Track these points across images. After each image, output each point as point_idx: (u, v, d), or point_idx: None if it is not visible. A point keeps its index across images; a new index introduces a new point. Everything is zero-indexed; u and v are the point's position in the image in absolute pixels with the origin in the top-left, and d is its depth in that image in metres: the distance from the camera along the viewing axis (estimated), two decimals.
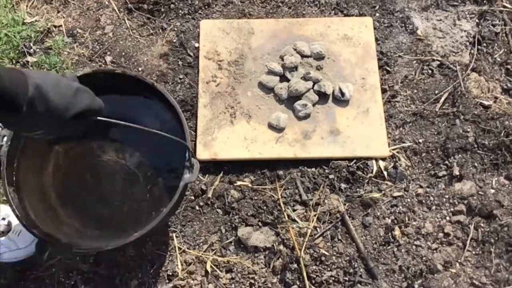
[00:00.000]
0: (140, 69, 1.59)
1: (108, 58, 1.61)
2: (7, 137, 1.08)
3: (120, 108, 1.16)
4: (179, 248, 1.35)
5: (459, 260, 1.33)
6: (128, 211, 1.20)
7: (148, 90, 1.18)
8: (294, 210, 1.37)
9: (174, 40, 1.64)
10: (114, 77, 1.18)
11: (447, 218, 1.38)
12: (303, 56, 1.55)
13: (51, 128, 0.83)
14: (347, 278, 1.30)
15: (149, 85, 1.16)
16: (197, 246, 1.35)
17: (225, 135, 1.47)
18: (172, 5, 1.69)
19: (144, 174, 1.22)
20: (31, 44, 1.62)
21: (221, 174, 1.44)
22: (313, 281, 1.30)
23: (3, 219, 1.30)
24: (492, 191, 1.40)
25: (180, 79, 1.57)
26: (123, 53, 1.61)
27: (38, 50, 1.62)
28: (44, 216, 1.12)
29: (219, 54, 1.58)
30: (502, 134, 1.44)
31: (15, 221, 1.31)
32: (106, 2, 1.71)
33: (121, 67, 1.59)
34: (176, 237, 1.36)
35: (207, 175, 1.44)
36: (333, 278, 1.30)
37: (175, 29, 1.66)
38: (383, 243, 1.35)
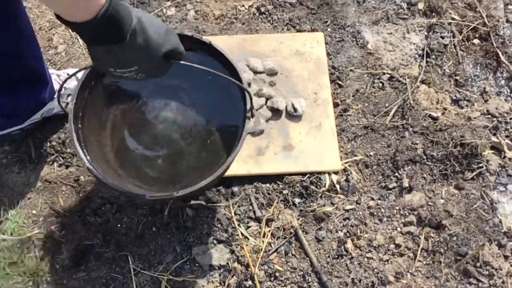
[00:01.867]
0: None
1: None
2: (72, 96, 1.08)
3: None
4: (134, 269, 1.35)
5: (410, 271, 1.36)
6: (187, 168, 1.20)
7: (205, 48, 1.18)
8: (248, 227, 1.39)
9: None
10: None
11: (398, 229, 1.41)
12: (256, 72, 1.57)
13: (143, 65, 0.86)
14: None
15: (206, 44, 1.17)
16: (152, 267, 1.35)
17: None
18: None
19: (201, 131, 1.24)
20: None
21: None
22: None
23: None
24: (442, 201, 1.44)
25: None
26: None
27: None
28: (107, 174, 1.10)
29: None
30: (450, 145, 1.48)
31: None
32: (59, 22, 1.69)
33: None
34: (131, 258, 1.36)
35: None
36: None
37: None
38: (336, 256, 1.37)
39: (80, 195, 1.42)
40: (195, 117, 1.24)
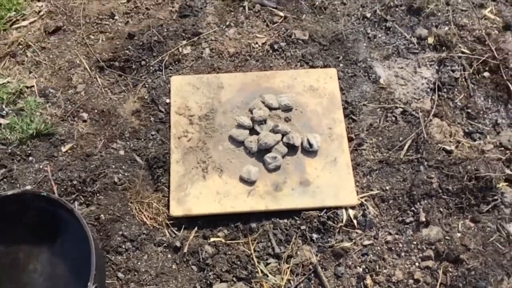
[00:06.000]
0: (111, 125, 1.62)
1: (85, 115, 1.64)
2: None
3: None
4: None
5: None
6: None
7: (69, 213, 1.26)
8: (267, 264, 1.40)
9: (146, 97, 1.68)
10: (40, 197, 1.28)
11: (416, 264, 1.42)
12: (271, 108, 1.60)
13: None
14: None
15: (68, 210, 1.25)
16: None
17: (197, 190, 1.50)
18: (142, 62, 1.74)
19: None
20: (3, 106, 1.64)
21: (195, 229, 1.46)
22: None
23: None
24: (459, 235, 1.45)
25: (152, 135, 1.61)
26: (96, 111, 1.64)
27: (10, 111, 1.64)
28: None
29: (190, 109, 1.63)
30: (465, 178, 1.50)
31: None
32: (78, 61, 1.74)
33: (97, 125, 1.62)
34: None
35: (181, 231, 1.46)
36: None
37: (146, 85, 1.70)
38: None
39: (101, 233, 1.44)
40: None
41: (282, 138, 1.55)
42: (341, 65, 1.73)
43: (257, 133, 1.57)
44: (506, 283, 1.35)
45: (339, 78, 1.69)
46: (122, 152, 1.57)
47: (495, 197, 1.50)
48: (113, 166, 1.54)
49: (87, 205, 1.49)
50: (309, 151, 1.55)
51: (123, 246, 1.43)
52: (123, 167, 1.55)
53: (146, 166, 1.56)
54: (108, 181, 1.51)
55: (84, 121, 1.63)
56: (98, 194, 1.50)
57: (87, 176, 1.51)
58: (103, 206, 1.48)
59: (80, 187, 1.50)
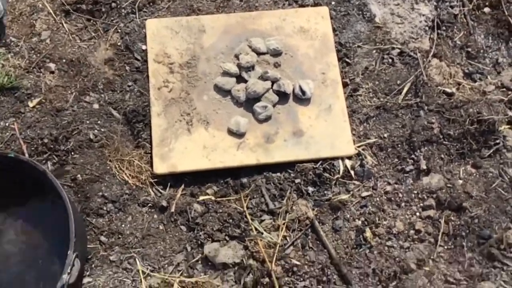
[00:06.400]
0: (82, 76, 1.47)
1: (52, 66, 1.48)
2: None
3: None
4: (143, 272, 1.27)
5: (432, 257, 1.30)
6: None
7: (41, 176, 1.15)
8: (261, 221, 1.31)
9: (119, 43, 1.52)
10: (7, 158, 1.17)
11: (417, 214, 1.35)
12: (259, 53, 1.47)
13: None
14: (321, 287, 1.26)
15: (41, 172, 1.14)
16: (162, 268, 1.28)
17: (182, 145, 1.38)
18: (113, 4, 1.56)
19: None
20: None
21: (182, 187, 1.36)
22: None
23: None
24: (460, 182, 1.38)
25: (129, 86, 1.46)
26: (64, 61, 1.48)
27: None
28: None
29: (170, 56, 1.48)
30: (467, 122, 1.41)
31: None
32: (40, 5, 1.55)
33: (66, 76, 1.46)
34: (139, 260, 1.28)
35: (166, 190, 1.35)
36: None
37: (119, 30, 1.54)
38: (355, 246, 1.31)
39: (79, 195, 1.33)
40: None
41: (272, 85, 1.43)
42: (333, 3, 1.59)
43: (245, 81, 1.43)
44: (511, 231, 1.30)
45: (331, 18, 1.55)
46: (96, 106, 1.43)
47: (497, 141, 1.42)
48: (88, 122, 1.40)
49: (62, 165, 1.36)
50: (302, 98, 1.43)
51: (105, 208, 1.32)
52: (99, 122, 1.41)
53: (124, 120, 1.42)
54: (83, 138, 1.38)
55: (52, 72, 1.47)
56: (72, 153, 1.37)
57: (59, 134, 1.37)
58: (79, 165, 1.36)
59: (52, 146, 1.36)
